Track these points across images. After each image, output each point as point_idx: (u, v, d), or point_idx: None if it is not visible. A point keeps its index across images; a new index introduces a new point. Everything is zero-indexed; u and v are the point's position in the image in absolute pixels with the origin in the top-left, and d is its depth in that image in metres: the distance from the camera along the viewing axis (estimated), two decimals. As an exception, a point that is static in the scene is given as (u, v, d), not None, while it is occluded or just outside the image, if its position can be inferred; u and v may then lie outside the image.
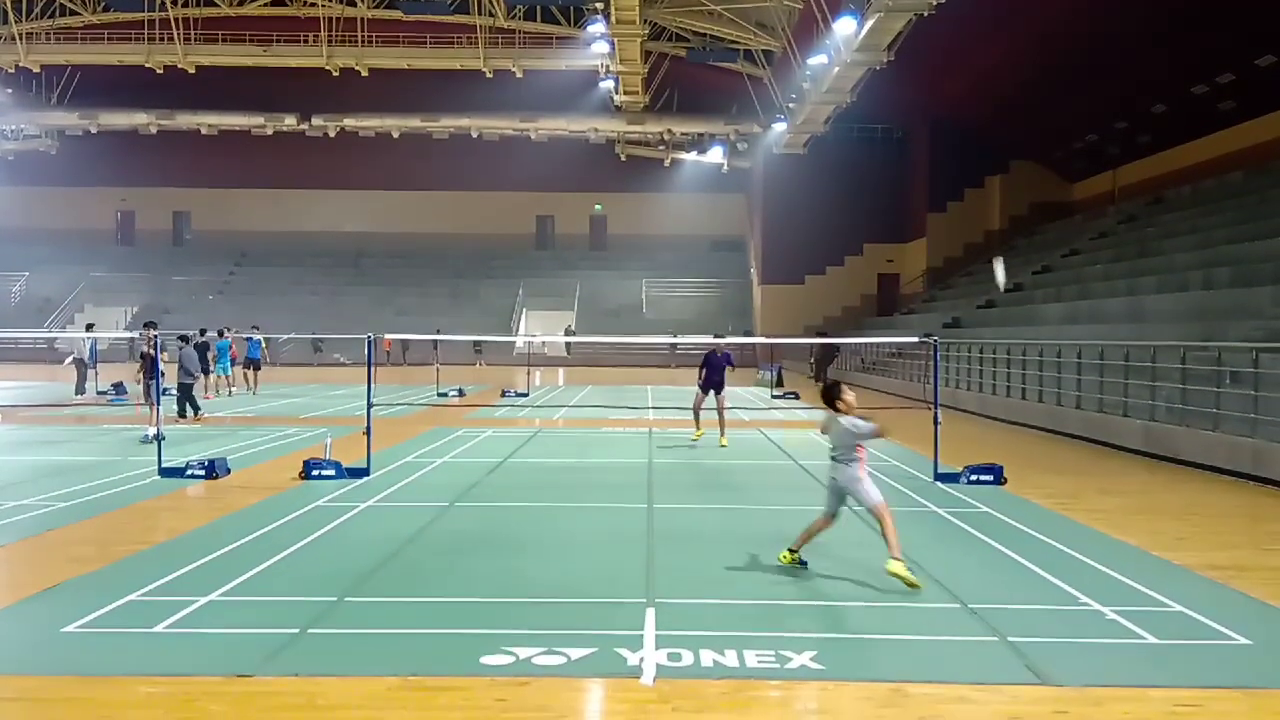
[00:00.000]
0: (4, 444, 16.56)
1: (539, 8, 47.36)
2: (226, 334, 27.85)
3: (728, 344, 17.74)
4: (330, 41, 46.71)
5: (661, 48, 46.42)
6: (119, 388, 25.56)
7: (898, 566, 7.52)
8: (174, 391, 19.74)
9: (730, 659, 5.88)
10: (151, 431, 14.91)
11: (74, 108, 53.76)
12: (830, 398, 8.13)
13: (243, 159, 60.64)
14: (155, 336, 17.18)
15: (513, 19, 47.20)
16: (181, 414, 19.68)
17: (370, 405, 13.42)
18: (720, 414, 16.66)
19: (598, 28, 42.62)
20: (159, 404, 15.24)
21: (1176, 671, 5.79)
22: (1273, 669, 5.87)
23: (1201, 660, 6.02)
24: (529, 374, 34.23)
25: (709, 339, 18.79)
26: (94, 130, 55.69)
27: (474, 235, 63.91)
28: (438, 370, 31.88)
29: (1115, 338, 19.25)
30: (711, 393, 16.66)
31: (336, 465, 12.79)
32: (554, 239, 65.91)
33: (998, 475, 12.67)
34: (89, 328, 24.68)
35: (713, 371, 16.70)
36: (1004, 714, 5.17)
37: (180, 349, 20.33)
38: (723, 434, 16.61)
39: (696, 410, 16.83)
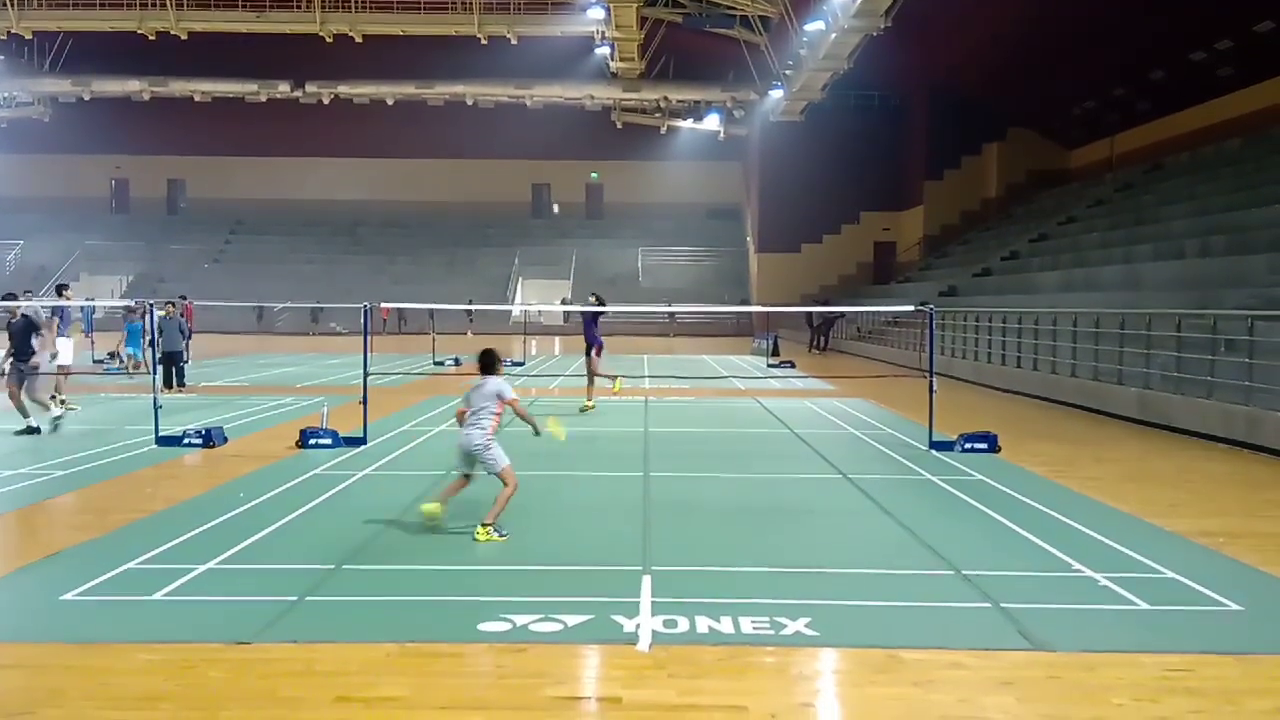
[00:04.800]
0: (0, 413, 16.54)
1: (534, -27, 46.94)
2: (134, 315, 24.65)
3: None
4: (324, 7, 46.27)
5: (658, 14, 46.02)
6: (114, 357, 25.51)
7: (483, 533, 7.87)
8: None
9: (726, 626, 5.92)
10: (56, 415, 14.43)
11: (67, 74, 53.30)
12: (490, 362, 8.34)
13: (237, 126, 60.24)
14: (151, 305, 17.12)
15: (507, -16, 46.82)
16: (168, 384, 19.62)
17: (367, 374, 13.42)
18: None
19: (593, -7, 42.28)
20: (155, 372, 15.22)
21: (1168, 637, 5.84)
22: (1264, 634, 5.92)
23: (1193, 626, 6.07)
24: (524, 343, 34.22)
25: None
26: (87, 97, 55.30)
27: (470, 203, 63.68)
28: (434, 339, 31.88)
29: (1111, 306, 19.26)
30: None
31: (333, 434, 12.81)
32: (550, 207, 65.68)
33: (992, 443, 12.71)
34: (26, 294, 23.92)
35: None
36: (997, 679, 5.21)
37: (164, 318, 20.15)
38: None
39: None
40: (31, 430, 13.66)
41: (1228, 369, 13.99)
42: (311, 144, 61.95)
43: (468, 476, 8.27)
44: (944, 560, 7.44)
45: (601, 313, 17.69)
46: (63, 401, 16.65)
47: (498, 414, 8.18)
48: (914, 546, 7.91)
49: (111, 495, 9.88)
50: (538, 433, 8.67)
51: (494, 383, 8.26)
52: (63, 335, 17.75)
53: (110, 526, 8.36)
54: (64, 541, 7.81)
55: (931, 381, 13.25)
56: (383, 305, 17.87)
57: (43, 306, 17.10)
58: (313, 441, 12.66)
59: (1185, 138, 34.34)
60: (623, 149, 60.88)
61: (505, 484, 8.11)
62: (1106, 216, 32.48)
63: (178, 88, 54.26)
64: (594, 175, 64.88)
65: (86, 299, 32.32)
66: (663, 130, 59.28)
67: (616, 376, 17.98)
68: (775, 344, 32.66)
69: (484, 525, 7.92)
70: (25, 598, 6.54)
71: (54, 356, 17.08)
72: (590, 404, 17.15)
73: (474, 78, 52.54)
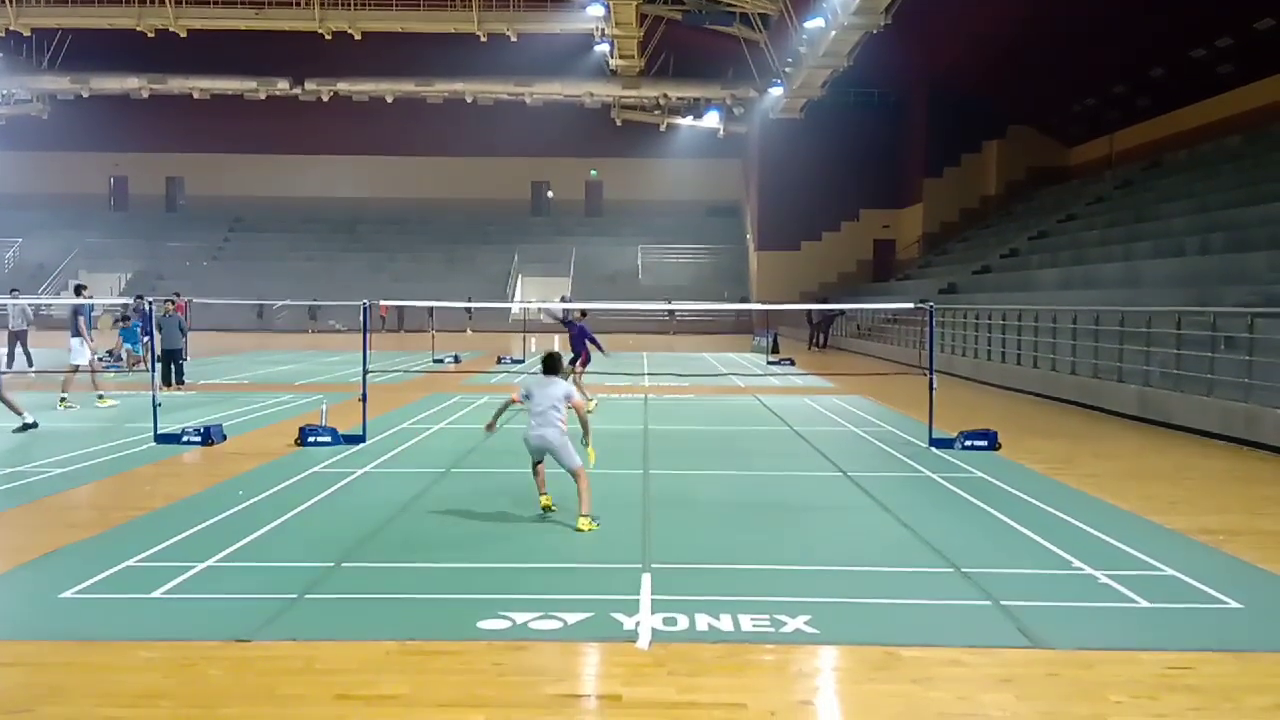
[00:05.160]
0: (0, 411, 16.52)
1: (533, -30, 46.92)
2: (125, 323, 24.93)
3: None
4: (322, 4, 46.25)
5: (657, 11, 45.98)
6: (113, 355, 25.50)
7: (585, 523, 8.30)
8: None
9: (725, 623, 5.92)
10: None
11: (65, 72, 53.25)
12: (556, 365, 8.86)
13: (236, 124, 60.24)
14: (151, 303, 17.14)
15: (506, -19, 46.82)
16: (166, 381, 19.61)
17: (366, 371, 13.41)
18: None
19: (592, -10, 42.26)
20: (154, 369, 15.20)
21: (1168, 634, 5.84)
22: (1263, 632, 5.92)
23: (1193, 623, 6.07)
24: (524, 341, 34.23)
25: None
26: (86, 95, 55.25)
27: (469, 201, 63.63)
28: (433, 337, 31.90)
29: (1110, 303, 19.25)
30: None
31: (333, 431, 12.80)
32: (549, 205, 65.65)
33: (992, 440, 12.71)
34: (13, 293, 24.12)
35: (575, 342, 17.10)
36: (996, 676, 5.22)
37: (164, 316, 20.13)
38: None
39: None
40: (28, 426, 13.65)
41: (1227, 366, 13.98)
42: (310, 141, 61.93)
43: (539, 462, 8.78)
44: (943, 558, 7.44)
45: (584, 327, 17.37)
46: (63, 399, 16.73)
47: (565, 414, 8.63)
48: (913, 544, 7.91)
49: (111, 493, 9.88)
50: (586, 442, 8.90)
51: (562, 384, 8.74)
52: (89, 332, 17.81)
53: (109, 524, 8.36)
54: (63, 539, 7.81)
55: (931, 379, 13.25)
56: (381, 303, 17.86)
57: (31, 304, 17.18)
58: (312, 439, 12.66)
59: (1185, 135, 34.32)
60: (622, 146, 60.83)
61: (580, 479, 8.49)
62: (1106, 214, 32.46)
63: (176, 85, 54.22)
64: (593, 173, 64.84)
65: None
66: (662, 128, 59.23)
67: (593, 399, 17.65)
68: (775, 341, 32.66)
69: (583, 516, 8.31)
70: (25, 595, 6.54)
71: (93, 354, 17.40)
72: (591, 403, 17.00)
73: (473, 75, 52.51)
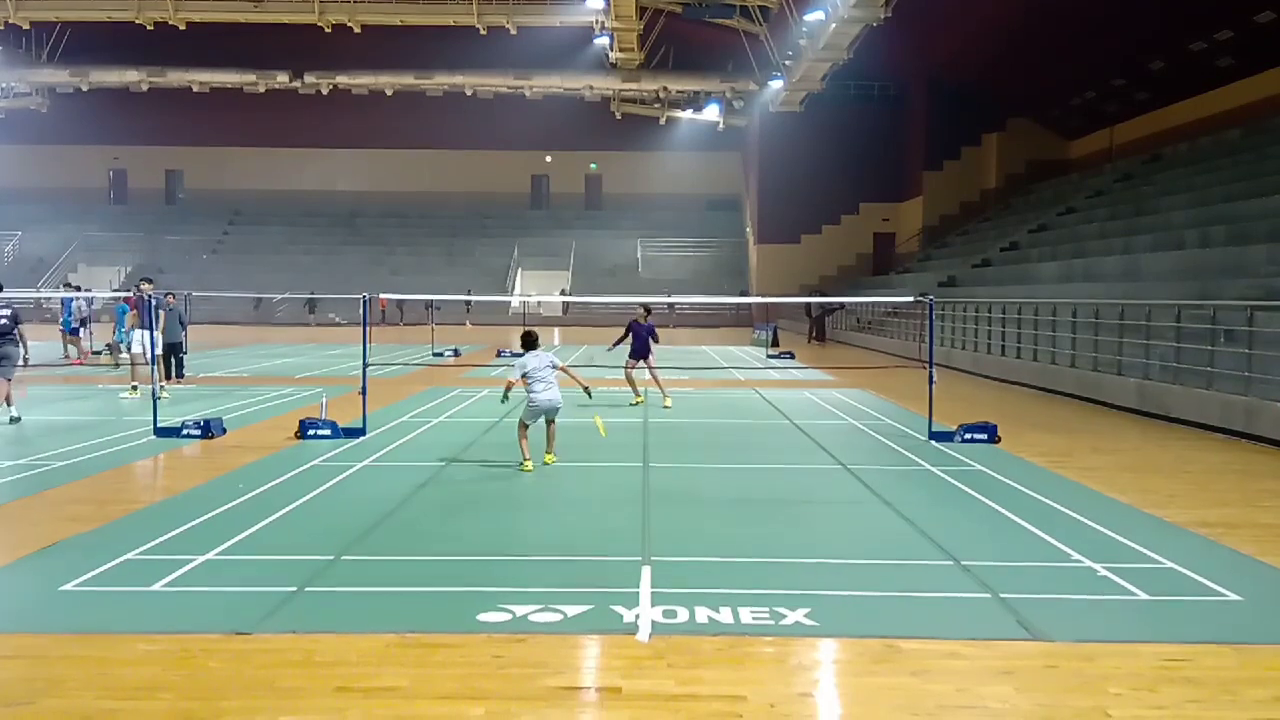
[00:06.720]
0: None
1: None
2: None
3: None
4: (322, -3, 46.23)
5: (657, 3, 45.94)
6: (113, 349, 25.47)
7: (551, 458, 10.70)
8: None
9: (725, 616, 5.92)
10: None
11: (64, 65, 53.22)
12: (535, 340, 10.82)
13: (235, 117, 60.24)
14: (151, 295, 17.12)
15: (506, -26, 46.71)
16: (167, 375, 19.58)
17: (366, 365, 13.40)
18: (654, 377, 17.12)
19: (592, -17, 42.19)
20: (153, 364, 15.19)
21: (1167, 627, 5.84)
22: (1262, 625, 5.92)
23: (1192, 616, 6.07)
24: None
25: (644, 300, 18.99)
26: (85, 88, 55.21)
27: (468, 194, 63.62)
28: (433, 330, 31.90)
29: (1110, 296, 19.26)
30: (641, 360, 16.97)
31: (332, 425, 12.80)
32: (549, 198, 65.63)
33: (991, 434, 12.72)
34: None
35: (639, 340, 16.99)
36: (995, 669, 5.22)
37: (168, 308, 20.08)
38: (665, 395, 17.08)
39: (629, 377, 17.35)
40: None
41: (1227, 359, 13.99)
42: (310, 134, 61.91)
43: (527, 425, 10.70)
44: (943, 550, 7.44)
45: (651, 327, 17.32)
46: (134, 387, 17.07)
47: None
48: (913, 537, 7.92)
49: (110, 486, 9.87)
50: (590, 394, 12.44)
51: (546, 354, 10.61)
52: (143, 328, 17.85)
53: (109, 517, 8.36)
54: (63, 532, 7.81)
55: (931, 372, 13.26)
56: (381, 296, 17.85)
57: (78, 298, 17.18)
58: (312, 432, 12.66)
59: (1185, 128, 34.32)
60: (622, 140, 60.82)
61: (553, 424, 10.77)
62: (1106, 207, 32.46)
63: (176, 78, 54.17)
64: (593, 166, 64.80)
65: (85, 290, 32.34)
66: (662, 121, 59.19)
67: (639, 396, 17.44)
68: (775, 334, 32.67)
69: (551, 453, 10.70)
70: (25, 588, 6.54)
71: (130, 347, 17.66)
72: (667, 402, 16.80)
73: (473, 68, 52.46)
